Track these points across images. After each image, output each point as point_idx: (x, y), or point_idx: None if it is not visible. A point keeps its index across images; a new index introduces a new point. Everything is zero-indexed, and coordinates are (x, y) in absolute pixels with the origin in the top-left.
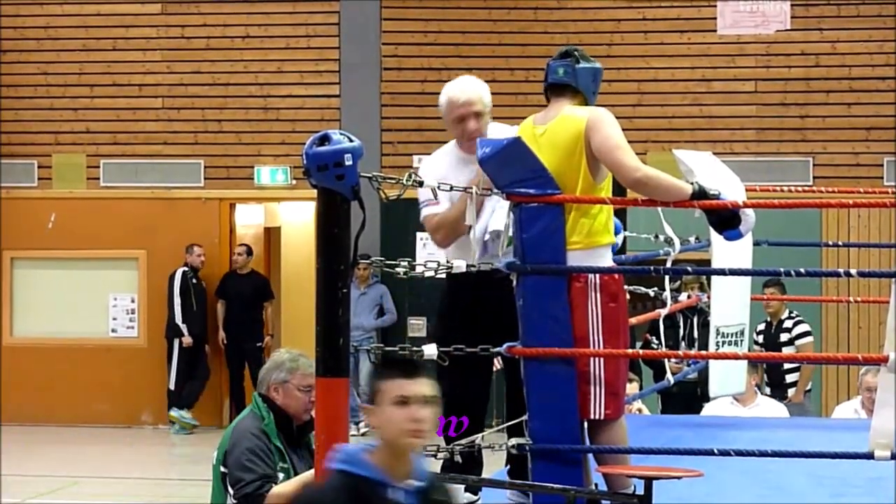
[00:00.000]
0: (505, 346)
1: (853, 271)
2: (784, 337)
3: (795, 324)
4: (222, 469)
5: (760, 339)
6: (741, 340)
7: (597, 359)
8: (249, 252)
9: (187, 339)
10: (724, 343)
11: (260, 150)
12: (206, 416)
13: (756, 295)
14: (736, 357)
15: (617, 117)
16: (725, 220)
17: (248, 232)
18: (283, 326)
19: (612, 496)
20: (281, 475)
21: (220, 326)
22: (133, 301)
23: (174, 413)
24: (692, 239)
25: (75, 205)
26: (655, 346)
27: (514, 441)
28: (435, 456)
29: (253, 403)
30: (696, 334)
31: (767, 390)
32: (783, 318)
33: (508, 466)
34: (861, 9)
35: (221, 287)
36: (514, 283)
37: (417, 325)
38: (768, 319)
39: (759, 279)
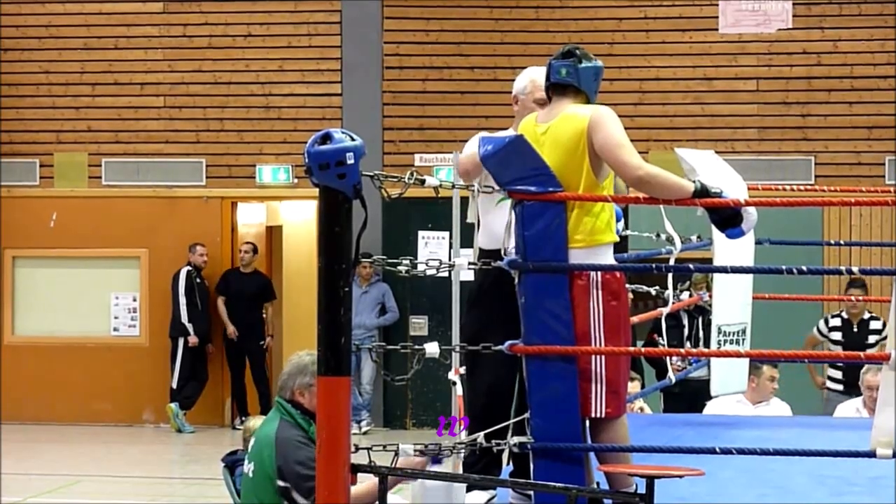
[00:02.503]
0: (506, 343)
1: (855, 269)
2: (873, 339)
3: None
4: (281, 483)
5: (837, 336)
6: (743, 339)
7: (598, 357)
8: (255, 250)
9: (193, 339)
10: (725, 342)
11: (261, 149)
12: (206, 416)
13: (758, 294)
14: (738, 355)
15: (618, 116)
16: (727, 218)
17: (250, 231)
18: (284, 325)
19: (614, 495)
20: None
21: (227, 322)
22: (135, 300)
23: (172, 406)
24: (694, 238)
25: (77, 203)
26: (663, 346)
27: (515, 439)
28: (437, 455)
29: (280, 410)
30: (701, 334)
31: (840, 387)
32: (865, 318)
33: (511, 465)
34: (863, 8)
35: (223, 284)
36: (516, 280)
37: (419, 324)
38: (845, 316)
39: (760, 278)
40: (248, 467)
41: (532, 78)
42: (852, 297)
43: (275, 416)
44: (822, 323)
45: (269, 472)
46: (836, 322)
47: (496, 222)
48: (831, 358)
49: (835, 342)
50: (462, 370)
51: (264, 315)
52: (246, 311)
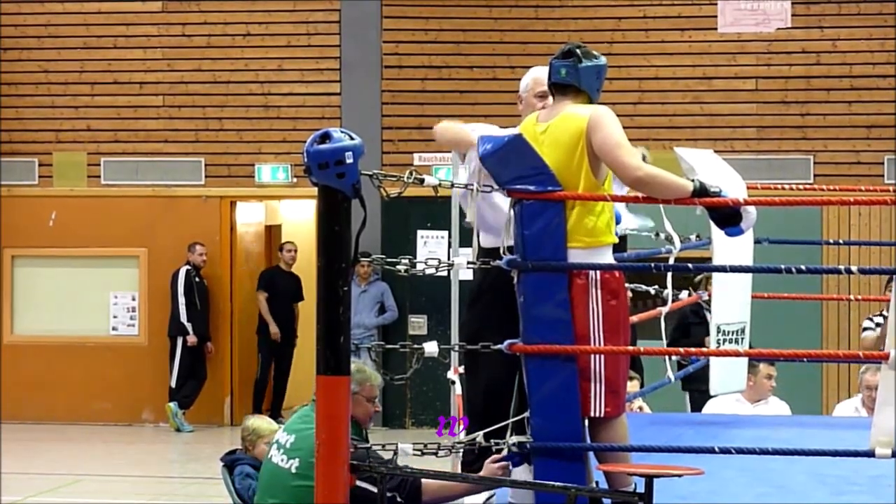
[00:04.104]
0: (506, 343)
1: (854, 268)
2: None
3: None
4: None
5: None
6: (742, 338)
7: (597, 356)
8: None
9: (192, 338)
10: (725, 341)
11: (261, 148)
12: (205, 415)
13: (757, 293)
14: (738, 355)
15: (618, 115)
16: (727, 216)
17: (249, 230)
18: None
19: (613, 494)
20: None
21: (270, 321)
22: (134, 299)
23: (172, 406)
24: (693, 237)
25: (76, 203)
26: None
27: (515, 439)
28: (436, 454)
29: None
30: None
31: None
32: None
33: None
34: (862, 7)
35: (267, 281)
36: (515, 280)
37: (418, 323)
38: (886, 314)
39: (759, 277)
40: (288, 463)
41: (534, 76)
42: (851, 297)
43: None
44: (867, 322)
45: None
46: (879, 320)
47: (494, 220)
48: (830, 358)
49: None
50: (461, 369)
51: (296, 314)
52: (287, 309)
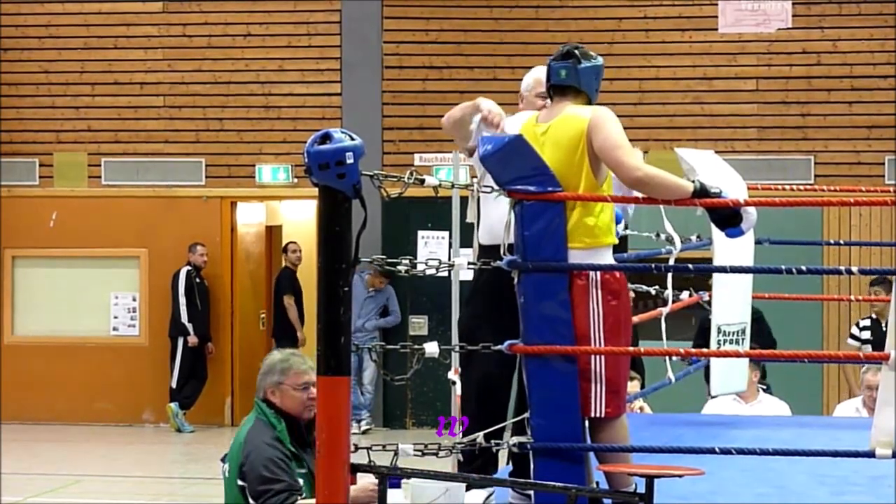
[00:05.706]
0: (506, 343)
1: (854, 268)
2: None
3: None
4: (240, 482)
5: (866, 335)
6: (742, 339)
7: (598, 357)
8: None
9: (193, 339)
10: (725, 342)
11: (261, 149)
12: (206, 415)
13: (758, 294)
14: (738, 355)
15: (618, 115)
16: (727, 217)
17: (250, 230)
18: None
19: (614, 494)
20: (300, 481)
21: (298, 325)
22: (134, 300)
23: (172, 406)
24: (693, 237)
25: (77, 203)
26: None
27: (515, 439)
28: (437, 454)
29: (257, 410)
30: None
31: None
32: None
33: (510, 465)
34: (862, 7)
35: (288, 283)
36: (516, 280)
37: (419, 324)
38: (874, 317)
39: (760, 278)
40: (224, 467)
41: (536, 76)
42: (852, 297)
43: (252, 415)
44: (854, 329)
45: (235, 469)
46: (867, 322)
47: (495, 218)
48: (830, 358)
49: (865, 342)
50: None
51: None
52: (301, 311)
